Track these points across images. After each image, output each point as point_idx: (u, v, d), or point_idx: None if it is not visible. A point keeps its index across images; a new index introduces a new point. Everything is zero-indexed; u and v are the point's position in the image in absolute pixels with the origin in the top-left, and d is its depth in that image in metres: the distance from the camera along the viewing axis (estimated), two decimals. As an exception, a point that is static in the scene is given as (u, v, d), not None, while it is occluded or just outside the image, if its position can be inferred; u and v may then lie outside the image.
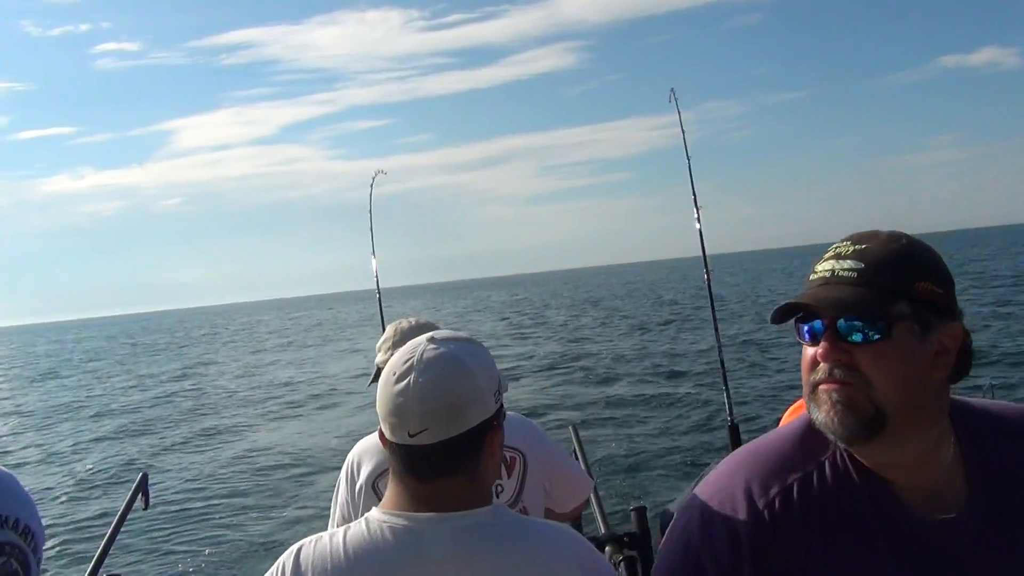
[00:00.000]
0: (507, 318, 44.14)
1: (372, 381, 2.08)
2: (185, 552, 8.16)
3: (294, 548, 1.32)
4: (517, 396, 15.44)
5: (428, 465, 1.29)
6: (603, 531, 2.88)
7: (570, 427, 3.78)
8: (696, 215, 3.72)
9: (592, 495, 3.06)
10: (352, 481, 2.20)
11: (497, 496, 2.11)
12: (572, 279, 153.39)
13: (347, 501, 2.20)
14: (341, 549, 1.27)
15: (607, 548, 2.73)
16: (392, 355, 2.07)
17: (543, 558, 1.29)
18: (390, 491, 1.34)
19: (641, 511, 2.76)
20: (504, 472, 2.12)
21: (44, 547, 1.88)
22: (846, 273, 1.14)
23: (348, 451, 2.31)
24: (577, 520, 2.67)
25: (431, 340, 1.35)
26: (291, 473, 11.19)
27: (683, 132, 3.87)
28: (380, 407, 1.33)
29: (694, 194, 3.75)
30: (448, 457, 1.29)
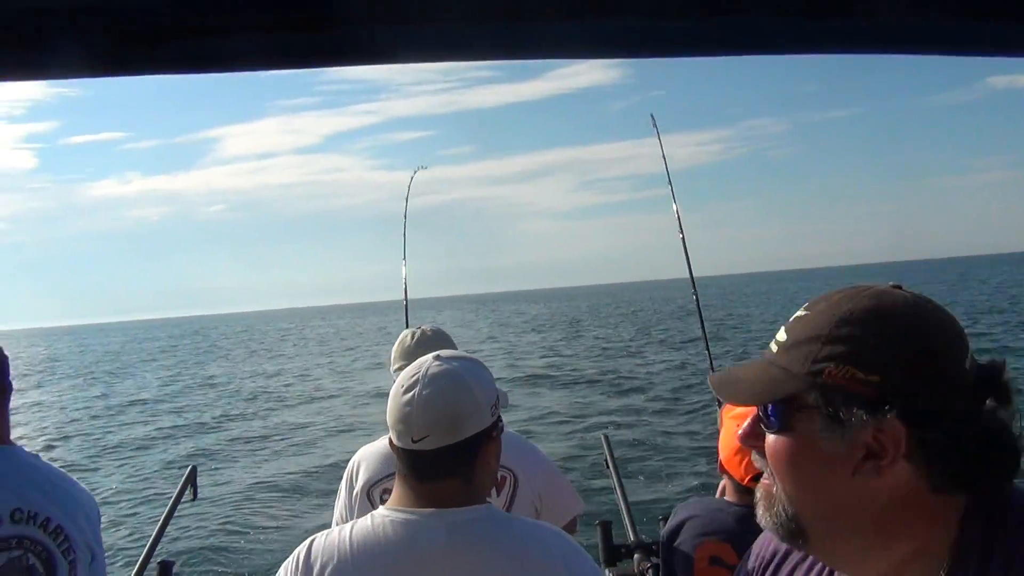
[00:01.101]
0: (541, 330, 44.32)
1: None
2: (232, 544, 8.52)
3: (307, 541, 1.47)
4: (550, 404, 15.77)
5: (428, 468, 1.43)
6: (632, 538, 2.86)
7: (602, 435, 3.82)
8: (681, 237, 3.93)
9: (621, 501, 3.15)
10: (350, 487, 2.28)
11: None
12: (607, 294, 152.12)
13: (345, 506, 2.28)
14: (347, 541, 1.41)
15: (635, 555, 2.70)
16: (403, 362, 2.34)
17: (531, 554, 1.40)
18: (395, 491, 1.49)
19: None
20: (494, 490, 2.17)
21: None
22: (772, 347, 0.99)
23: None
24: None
25: (436, 357, 1.50)
26: (338, 467, 11.34)
27: (664, 158, 4.05)
28: (389, 416, 1.48)
29: (678, 218, 3.97)
30: (446, 461, 1.43)
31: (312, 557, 1.41)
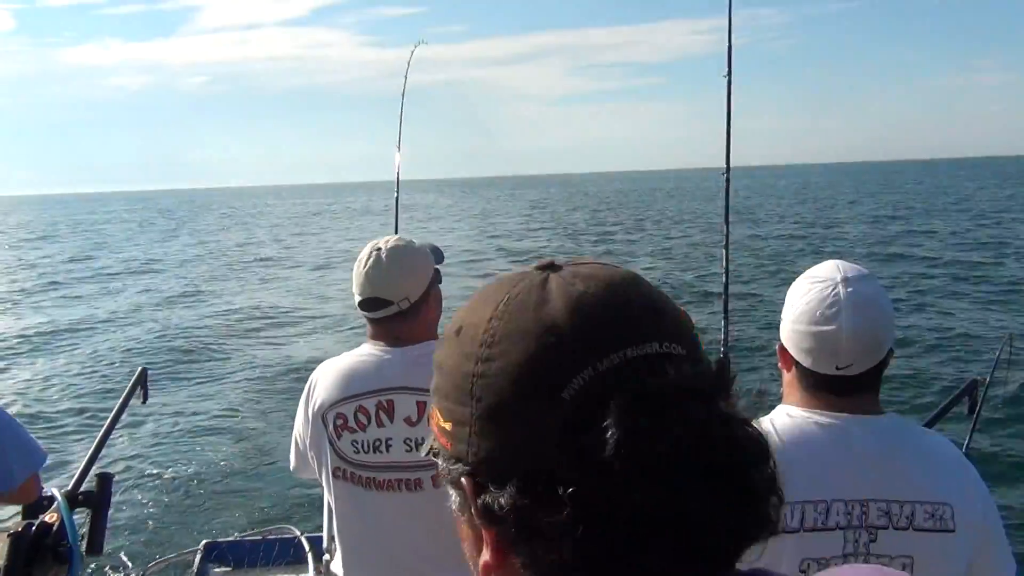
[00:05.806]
0: (528, 218, 43.92)
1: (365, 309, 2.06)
2: (182, 452, 8.02)
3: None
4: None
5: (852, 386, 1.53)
6: None
7: None
8: (727, 129, 3.46)
9: None
10: (307, 406, 2.13)
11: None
12: (596, 183, 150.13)
13: (302, 423, 2.15)
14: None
15: None
16: (359, 296, 2.04)
17: (931, 468, 1.50)
18: (807, 397, 1.54)
19: None
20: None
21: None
22: None
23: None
24: None
25: (846, 282, 1.51)
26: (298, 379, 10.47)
27: (730, 37, 3.53)
28: (801, 343, 1.52)
29: (728, 103, 3.47)
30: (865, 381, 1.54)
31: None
